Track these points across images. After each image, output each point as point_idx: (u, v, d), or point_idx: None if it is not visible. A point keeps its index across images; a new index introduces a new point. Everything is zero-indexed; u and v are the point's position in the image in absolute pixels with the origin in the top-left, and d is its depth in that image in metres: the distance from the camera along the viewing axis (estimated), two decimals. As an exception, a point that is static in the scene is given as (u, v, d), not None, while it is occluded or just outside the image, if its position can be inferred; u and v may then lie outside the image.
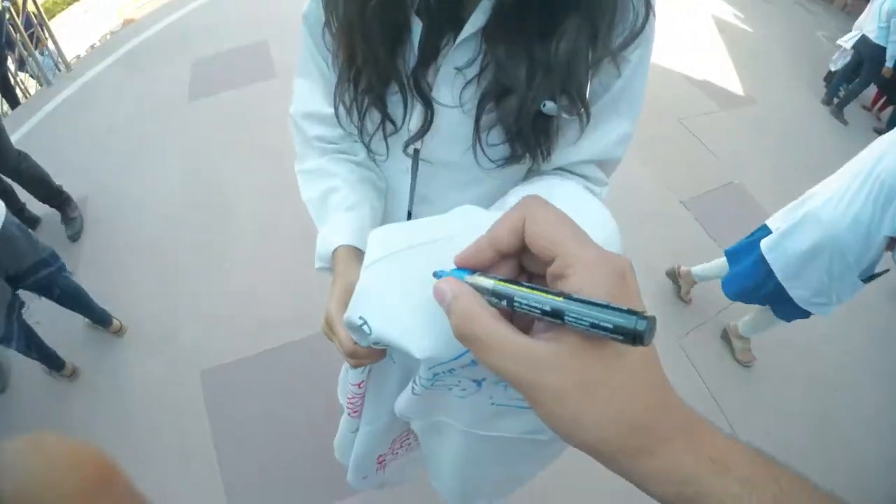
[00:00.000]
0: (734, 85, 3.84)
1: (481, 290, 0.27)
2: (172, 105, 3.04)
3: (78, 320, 1.92)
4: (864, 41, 3.65)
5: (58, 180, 2.31)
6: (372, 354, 0.48)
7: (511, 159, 0.53)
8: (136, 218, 2.42)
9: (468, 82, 0.49)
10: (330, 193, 0.62)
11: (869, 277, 1.56)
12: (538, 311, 0.24)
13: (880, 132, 3.75)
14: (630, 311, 0.21)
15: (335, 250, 0.58)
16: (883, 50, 3.51)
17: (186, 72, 3.31)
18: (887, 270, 1.56)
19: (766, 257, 1.67)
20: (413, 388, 0.46)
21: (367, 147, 0.60)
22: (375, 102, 0.53)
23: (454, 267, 0.30)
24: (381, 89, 0.52)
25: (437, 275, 0.32)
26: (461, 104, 0.51)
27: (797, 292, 1.65)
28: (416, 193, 0.63)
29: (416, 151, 0.58)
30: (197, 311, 2.05)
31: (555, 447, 0.57)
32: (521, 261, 0.29)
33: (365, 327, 0.39)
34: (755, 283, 1.75)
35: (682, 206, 2.66)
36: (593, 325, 0.22)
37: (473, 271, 0.29)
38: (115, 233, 2.37)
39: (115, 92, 3.24)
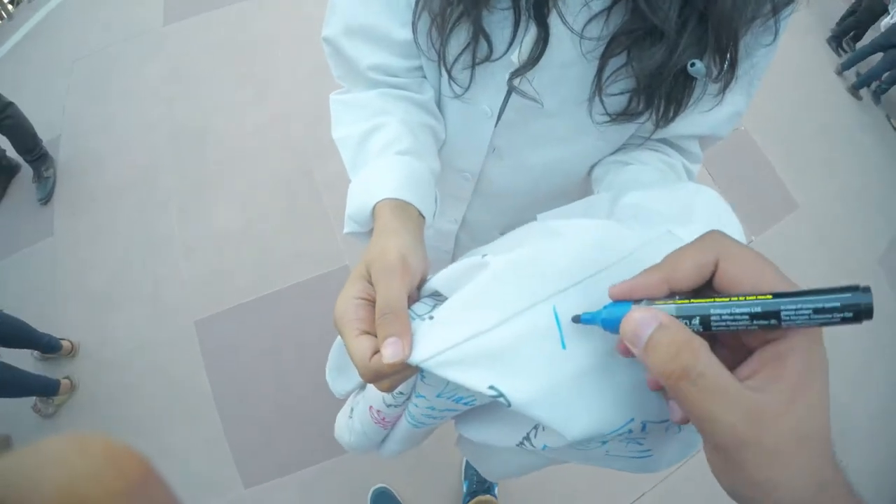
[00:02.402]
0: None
1: None
2: (146, 30, 2.73)
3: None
4: None
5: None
6: (406, 370, 0.32)
7: (625, 115, 0.43)
8: (111, 157, 2.24)
9: (594, 16, 0.39)
10: (374, 132, 0.47)
11: None
12: (745, 319, 0.21)
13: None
14: (847, 286, 0.19)
15: (377, 205, 0.41)
16: None
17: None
18: None
19: None
20: (524, 444, 0.35)
21: (449, 73, 0.46)
22: (471, 13, 0.41)
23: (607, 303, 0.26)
24: None
25: (581, 319, 0.28)
26: (581, 40, 0.40)
27: None
28: (490, 144, 0.53)
29: (512, 90, 0.46)
30: (186, 259, 1.94)
31: None
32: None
33: (500, 400, 0.28)
34: None
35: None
36: (818, 311, 0.20)
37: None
38: (92, 175, 2.21)
39: (82, 19, 2.89)
